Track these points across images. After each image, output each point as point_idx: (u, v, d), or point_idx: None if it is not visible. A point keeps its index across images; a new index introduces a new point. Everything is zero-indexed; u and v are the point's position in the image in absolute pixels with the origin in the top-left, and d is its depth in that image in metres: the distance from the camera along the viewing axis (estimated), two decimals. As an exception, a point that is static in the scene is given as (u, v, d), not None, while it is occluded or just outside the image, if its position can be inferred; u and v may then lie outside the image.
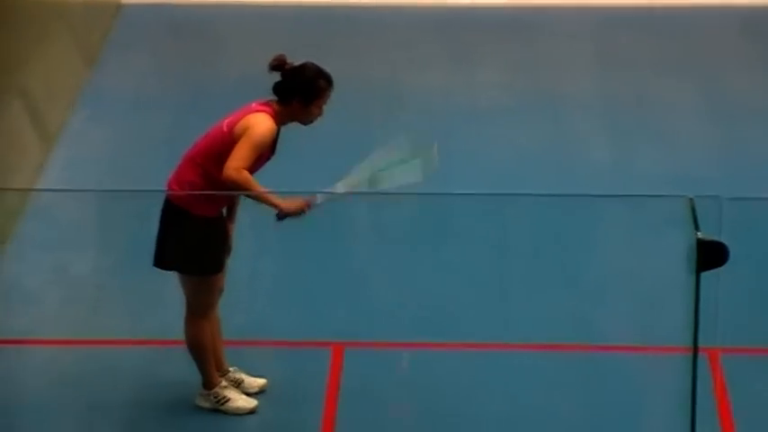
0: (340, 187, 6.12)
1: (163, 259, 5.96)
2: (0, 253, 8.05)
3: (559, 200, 8.23)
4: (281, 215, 5.94)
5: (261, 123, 5.76)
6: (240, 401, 6.12)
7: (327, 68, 6.05)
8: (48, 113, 9.85)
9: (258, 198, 5.89)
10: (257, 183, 5.85)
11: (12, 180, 8.57)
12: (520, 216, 8.01)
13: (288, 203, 5.91)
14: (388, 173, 6.22)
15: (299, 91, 5.82)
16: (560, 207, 8.19)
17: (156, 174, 6.69)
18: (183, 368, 6.43)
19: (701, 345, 4.89)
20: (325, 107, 5.98)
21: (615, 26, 12.16)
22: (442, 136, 7.49)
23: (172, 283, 6.17)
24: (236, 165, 5.66)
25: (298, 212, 5.94)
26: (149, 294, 7.36)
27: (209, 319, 6.08)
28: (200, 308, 6.01)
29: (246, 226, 6.63)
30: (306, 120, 5.89)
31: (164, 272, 6.10)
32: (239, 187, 5.76)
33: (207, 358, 6.10)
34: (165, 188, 5.99)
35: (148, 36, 11.70)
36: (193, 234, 5.93)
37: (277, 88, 5.86)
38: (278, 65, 5.89)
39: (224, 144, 5.75)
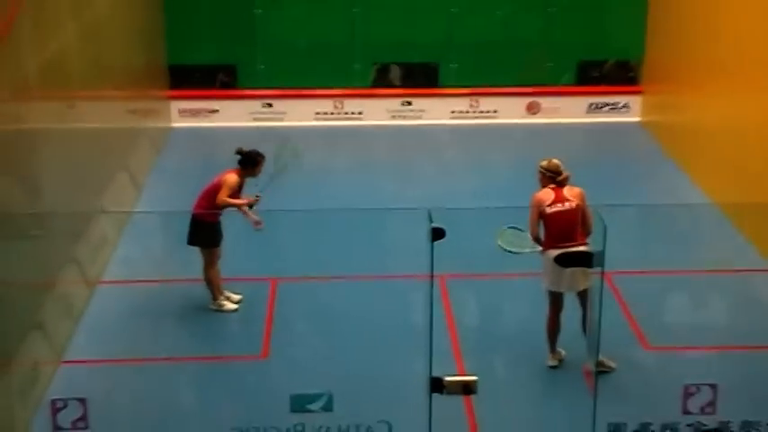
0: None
1: (193, 241, 10.23)
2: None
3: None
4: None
5: (230, 177, 10.07)
6: (228, 306, 10.45)
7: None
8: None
9: (235, 206, 10.09)
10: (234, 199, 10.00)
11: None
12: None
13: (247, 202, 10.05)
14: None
15: (249, 162, 10.23)
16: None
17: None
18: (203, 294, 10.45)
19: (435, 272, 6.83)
20: (263, 168, 10.21)
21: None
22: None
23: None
24: (221, 196, 9.94)
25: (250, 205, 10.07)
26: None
27: (215, 267, 10.38)
28: (211, 263, 10.28)
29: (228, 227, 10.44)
30: (254, 175, 10.20)
31: (193, 247, 10.21)
32: (226, 205, 10.02)
33: (216, 286, 10.39)
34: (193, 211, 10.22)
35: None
36: (207, 230, 10.26)
37: (240, 162, 10.19)
38: (238, 151, 10.21)
39: (216, 189, 10.06)
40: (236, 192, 10.20)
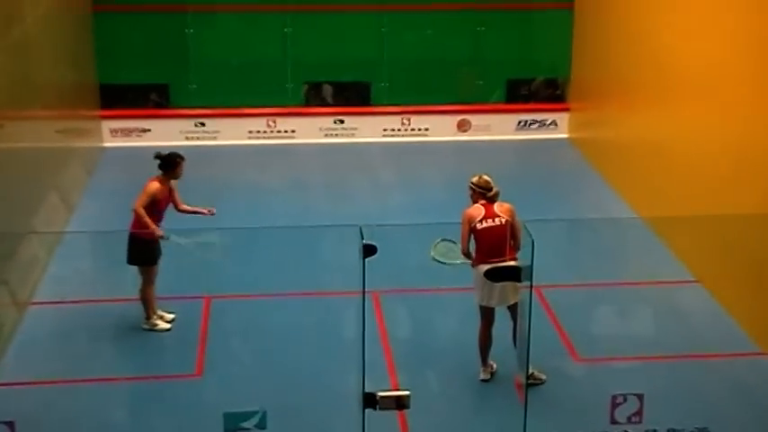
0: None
1: (132, 260, 10.08)
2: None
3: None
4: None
5: (149, 185, 10.01)
6: (161, 325, 10.39)
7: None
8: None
9: (147, 226, 9.81)
10: (147, 217, 9.77)
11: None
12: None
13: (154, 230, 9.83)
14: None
15: (169, 165, 10.14)
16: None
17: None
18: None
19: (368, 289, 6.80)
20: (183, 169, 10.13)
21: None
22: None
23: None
24: (137, 204, 9.87)
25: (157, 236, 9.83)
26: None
27: (152, 286, 10.24)
28: (149, 281, 10.19)
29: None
30: (176, 177, 10.15)
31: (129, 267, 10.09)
32: (138, 218, 9.89)
33: (150, 305, 10.29)
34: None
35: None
36: (143, 247, 10.09)
37: (160, 166, 10.05)
38: (156, 156, 10.11)
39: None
40: (160, 197, 10.10)
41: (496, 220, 9.26)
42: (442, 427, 8.57)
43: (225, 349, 10.21)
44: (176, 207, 10.38)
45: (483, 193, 9.38)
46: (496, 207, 9.34)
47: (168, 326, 10.49)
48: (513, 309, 9.16)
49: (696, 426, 7.59)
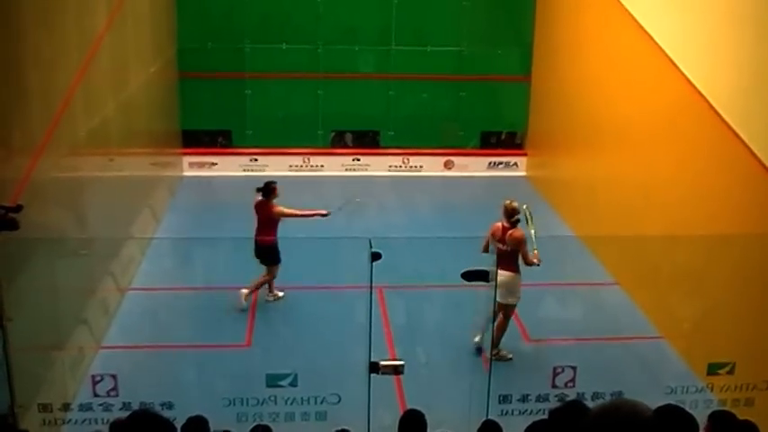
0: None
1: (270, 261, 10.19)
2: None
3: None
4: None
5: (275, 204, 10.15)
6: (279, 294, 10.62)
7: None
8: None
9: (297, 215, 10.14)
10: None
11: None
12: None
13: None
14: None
15: (270, 192, 10.29)
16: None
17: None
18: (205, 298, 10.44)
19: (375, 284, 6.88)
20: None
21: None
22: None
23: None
24: (281, 213, 10.16)
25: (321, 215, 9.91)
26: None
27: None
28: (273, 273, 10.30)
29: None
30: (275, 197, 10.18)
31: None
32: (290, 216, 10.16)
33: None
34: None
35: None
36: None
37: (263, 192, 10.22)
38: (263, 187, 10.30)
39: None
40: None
41: (503, 245, 8.92)
42: (428, 389, 8.52)
43: (267, 327, 10.21)
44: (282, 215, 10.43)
45: (507, 216, 8.98)
46: (510, 233, 8.87)
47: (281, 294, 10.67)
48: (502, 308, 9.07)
49: (613, 390, 7.53)
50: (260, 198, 10.35)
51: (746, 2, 8.82)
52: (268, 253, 10.28)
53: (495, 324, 8.91)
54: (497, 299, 8.76)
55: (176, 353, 9.33)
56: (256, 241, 10.21)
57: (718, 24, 9.30)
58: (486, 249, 9.07)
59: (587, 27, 13.58)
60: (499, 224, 9.02)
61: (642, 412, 2.72)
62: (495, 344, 8.99)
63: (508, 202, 9.07)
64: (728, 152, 8.83)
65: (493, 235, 9.02)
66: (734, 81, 8.95)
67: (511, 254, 8.85)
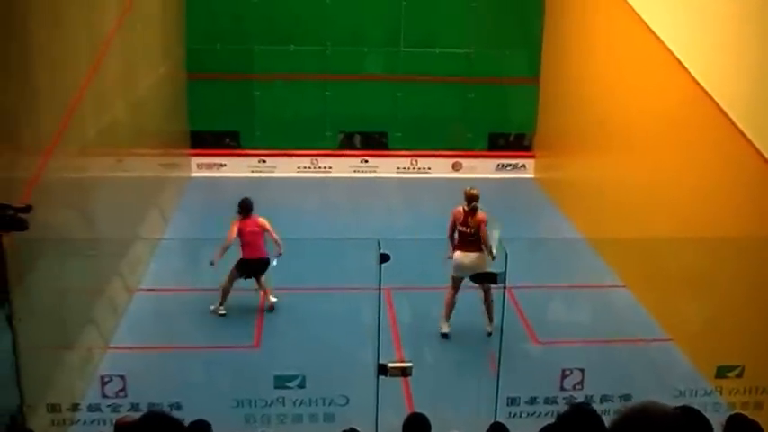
0: None
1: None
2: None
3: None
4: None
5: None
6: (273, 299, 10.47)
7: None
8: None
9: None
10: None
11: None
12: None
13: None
14: None
15: (251, 205, 10.21)
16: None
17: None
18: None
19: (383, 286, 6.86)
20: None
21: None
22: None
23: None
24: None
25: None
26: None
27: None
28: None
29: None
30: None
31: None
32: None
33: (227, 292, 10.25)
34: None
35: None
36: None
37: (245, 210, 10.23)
38: (243, 205, 10.25)
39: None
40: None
41: (467, 228, 9.56)
42: (436, 391, 8.47)
43: (276, 328, 10.15)
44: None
45: (468, 202, 9.60)
46: (472, 216, 9.54)
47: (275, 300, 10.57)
48: (486, 288, 9.43)
49: (621, 392, 7.51)
50: (240, 218, 10.22)
51: (753, 3, 8.80)
52: (265, 264, 10.26)
53: (487, 303, 9.53)
54: (473, 270, 9.46)
55: (184, 354, 9.29)
56: (250, 259, 10.18)
57: (725, 26, 9.28)
58: (452, 234, 9.77)
59: (596, 29, 13.54)
60: (460, 208, 9.71)
61: (671, 413, 2.69)
62: (492, 318, 9.58)
63: (468, 189, 9.80)
64: (736, 153, 8.81)
65: (455, 219, 9.70)
66: (741, 82, 8.92)
67: (475, 235, 9.54)
